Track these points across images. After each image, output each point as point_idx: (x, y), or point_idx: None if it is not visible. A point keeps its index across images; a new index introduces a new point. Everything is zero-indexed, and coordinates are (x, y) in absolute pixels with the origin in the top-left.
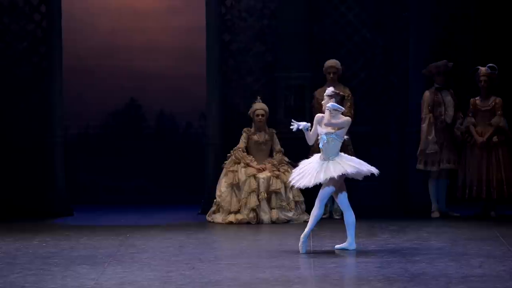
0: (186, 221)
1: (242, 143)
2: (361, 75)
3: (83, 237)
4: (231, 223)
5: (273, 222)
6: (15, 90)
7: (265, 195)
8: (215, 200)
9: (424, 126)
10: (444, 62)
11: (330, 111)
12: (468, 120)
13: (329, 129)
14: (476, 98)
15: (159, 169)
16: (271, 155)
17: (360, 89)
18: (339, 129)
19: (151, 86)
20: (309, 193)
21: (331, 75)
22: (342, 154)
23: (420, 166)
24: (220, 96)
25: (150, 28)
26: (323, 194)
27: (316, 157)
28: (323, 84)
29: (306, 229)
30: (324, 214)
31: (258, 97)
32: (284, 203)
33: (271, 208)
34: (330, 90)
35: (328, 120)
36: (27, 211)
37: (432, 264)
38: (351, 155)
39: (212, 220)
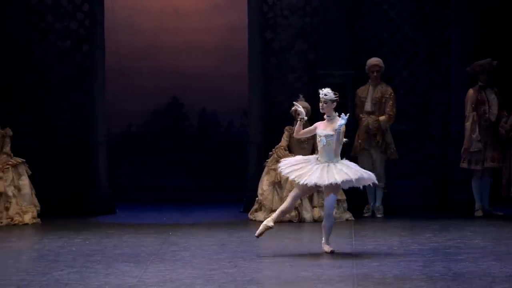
0: (228, 220)
1: (284, 142)
2: (403, 73)
3: (125, 235)
4: None
5: (315, 221)
6: (58, 89)
7: None
8: (257, 199)
9: (468, 124)
10: (489, 61)
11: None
12: None
13: (329, 131)
14: None
15: (201, 168)
16: (313, 153)
17: (402, 87)
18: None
19: (193, 85)
20: (351, 192)
21: (374, 74)
22: (344, 160)
23: (464, 165)
24: (262, 94)
25: (192, 27)
26: (331, 204)
27: (311, 158)
28: (365, 82)
29: (324, 238)
30: (366, 213)
31: (301, 95)
32: None
33: (313, 207)
34: (330, 93)
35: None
36: (70, 209)
37: (475, 263)
38: (393, 154)
39: (254, 219)
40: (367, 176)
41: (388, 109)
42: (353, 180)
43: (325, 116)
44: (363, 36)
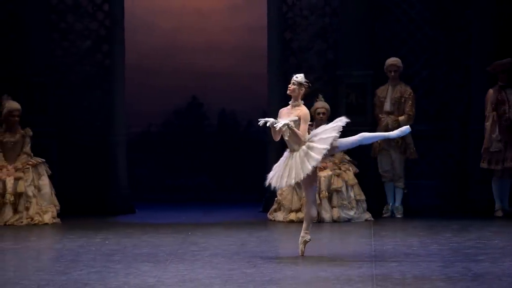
0: (247, 219)
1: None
2: (423, 73)
3: (145, 234)
4: (292, 221)
5: (334, 221)
6: (78, 88)
7: (326, 193)
8: (276, 199)
9: (488, 124)
10: (509, 60)
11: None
12: None
13: (292, 117)
14: None
15: (220, 167)
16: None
17: (422, 87)
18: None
19: (213, 85)
20: (371, 193)
21: (392, 73)
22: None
23: (484, 165)
24: (281, 94)
25: (211, 27)
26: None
27: (285, 153)
28: (385, 82)
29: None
30: (385, 213)
31: (320, 95)
32: (345, 202)
33: (332, 207)
34: (302, 77)
35: (289, 112)
36: (90, 209)
37: (495, 264)
38: (413, 154)
39: (273, 219)
40: (336, 131)
41: (407, 109)
42: (323, 156)
43: (290, 102)
44: (382, 36)
